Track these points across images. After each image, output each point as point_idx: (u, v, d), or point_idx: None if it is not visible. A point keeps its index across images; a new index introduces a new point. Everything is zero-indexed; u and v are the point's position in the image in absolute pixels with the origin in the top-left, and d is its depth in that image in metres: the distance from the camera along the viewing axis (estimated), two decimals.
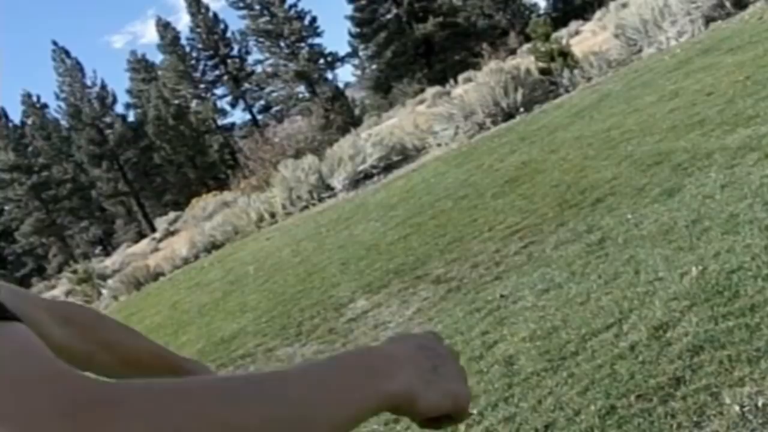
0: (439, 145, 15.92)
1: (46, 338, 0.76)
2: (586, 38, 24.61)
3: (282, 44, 59.00)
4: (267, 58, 60.71)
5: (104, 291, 19.87)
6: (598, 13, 31.18)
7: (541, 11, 54.35)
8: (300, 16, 58.44)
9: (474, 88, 16.73)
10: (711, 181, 5.32)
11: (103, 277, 21.56)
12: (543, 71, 15.42)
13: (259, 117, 61.01)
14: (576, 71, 14.85)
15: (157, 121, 57.43)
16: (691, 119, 7.39)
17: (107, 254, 39.81)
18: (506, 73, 15.33)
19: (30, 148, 56.61)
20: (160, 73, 61.93)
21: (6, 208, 56.87)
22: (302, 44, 58.83)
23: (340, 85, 60.48)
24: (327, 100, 46.48)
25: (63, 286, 24.82)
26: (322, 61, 59.31)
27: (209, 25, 60.22)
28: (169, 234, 29.24)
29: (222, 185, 37.21)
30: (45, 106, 59.71)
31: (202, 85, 62.07)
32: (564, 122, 11.05)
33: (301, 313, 7.52)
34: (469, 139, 14.82)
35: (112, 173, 57.62)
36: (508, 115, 14.43)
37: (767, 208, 4.35)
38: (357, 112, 53.29)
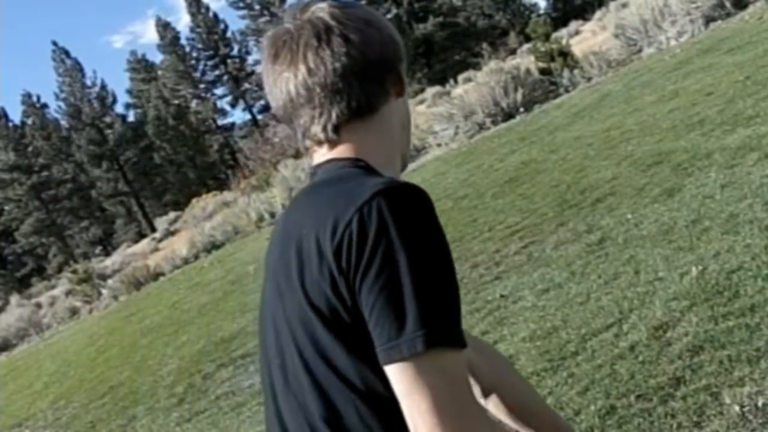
0: (439, 145, 15.91)
1: None
2: (586, 38, 24.61)
3: None
4: None
5: (104, 291, 19.87)
6: (598, 13, 31.16)
7: (541, 11, 54.34)
8: None
9: (474, 88, 16.73)
10: (711, 181, 5.32)
11: (103, 277, 21.56)
12: (543, 71, 15.41)
13: (259, 117, 60.99)
14: (576, 71, 14.85)
15: (157, 121, 57.42)
16: (691, 119, 7.39)
17: (107, 254, 39.80)
18: (506, 73, 15.33)
19: (30, 148, 56.60)
20: (160, 73, 61.93)
21: (6, 208, 56.84)
22: None
23: None
24: None
25: (63, 286, 24.82)
26: None
27: (209, 25, 60.22)
28: (169, 234, 29.23)
29: (222, 185, 37.19)
30: (45, 106, 59.73)
31: (202, 85, 62.06)
32: (564, 122, 11.05)
33: None
34: (469, 139, 14.82)
35: (112, 173, 57.61)
36: (508, 115, 14.42)
37: (767, 208, 4.35)
38: None
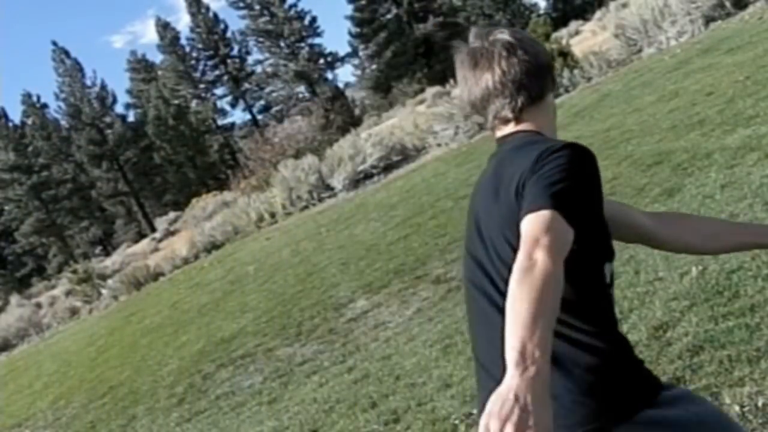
0: (439, 145, 15.92)
1: (638, 226, 1.79)
2: (586, 38, 24.60)
3: (282, 44, 58.97)
4: (267, 58, 60.68)
5: (104, 291, 19.87)
6: (598, 13, 31.14)
7: (541, 11, 54.32)
8: (300, 16, 58.41)
9: None
10: (711, 181, 5.32)
11: (103, 277, 21.55)
12: None
13: (259, 117, 60.99)
14: (576, 71, 14.85)
15: (157, 121, 57.37)
16: (691, 119, 7.39)
17: (107, 254, 39.79)
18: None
19: (30, 148, 56.54)
20: (160, 73, 61.88)
21: (6, 208, 56.78)
22: (302, 44, 58.79)
23: (340, 85, 60.44)
24: (327, 100, 46.44)
25: (63, 286, 24.81)
26: (322, 61, 59.27)
27: (209, 25, 60.19)
28: (169, 234, 29.24)
29: (222, 185, 37.15)
30: (45, 106, 59.61)
31: (202, 85, 62.00)
32: (564, 122, 11.05)
33: (301, 313, 7.52)
34: (469, 139, 14.83)
35: (112, 173, 57.57)
36: None
37: (767, 208, 4.35)
38: (357, 112, 53.25)
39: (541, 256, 1.29)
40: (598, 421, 1.39)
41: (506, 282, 1.35)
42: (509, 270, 1.35)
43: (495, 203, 1.54)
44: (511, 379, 1.13)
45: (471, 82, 1.65)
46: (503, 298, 1.34)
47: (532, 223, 1.35)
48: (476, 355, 1.62)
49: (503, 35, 1.65)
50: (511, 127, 1.66)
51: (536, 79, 1.63)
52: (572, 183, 1.39)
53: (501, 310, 1.34)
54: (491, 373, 1.47)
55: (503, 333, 1.25)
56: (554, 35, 17.91)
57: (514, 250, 1.38)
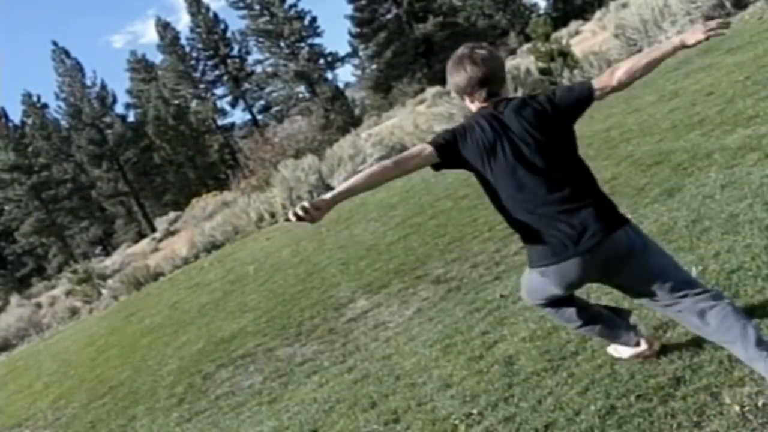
0: None
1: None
2: (586, 38, 24.61)
3: (282, 44, 59.00)
4: (267, 58, 60.73)
5: (104, 291, 19.87)
6: (598, 13, 31.17)
7: (541, 11, 54.31)
8: (300, 16, 58.43)
9: None
10: (711, 181, 5.32)
11: (103, 277, 21.56)
12: (543, 71, 15.40)
13: (259, 117, 61.03)
14: (576, 71, 14.85)
15: (157, 121, 57.41)
16: (691, 119, 7.39)
17: (107, 254, 39.81)
18: (506, 73, 15.32)
19: (30, 148, 56.56)
20: (160, 73, 61.91)
21: (6, 208, 56.79)
22: (302, 44, 58.83)
23: (340, 85, 60.50)
24: (327, 100, 46.49)
25: (63, 286, 24.83)
26: (322, 61, 59.30)
27: (209, 25, 60.22)
28: (169, 234, 29.26)
29: (222, 185, 37.19)
30: (45, 106, 59.64)
31: (202, 85, 62.06)
32: None
33: (301, 313, 7.52)
34: None
35: (112, 173, 57.60)
36: None
37: (767, 208, 4.35)
38: (357, 112, 53.29)
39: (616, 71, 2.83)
40: (613, 227, 2.74)
41: (554, 158, 2.77)
42: (556, 149, 2.79)
43: (538, 119, 2.78)
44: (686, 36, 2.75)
45: (471, 72, 2.85)
46: (547, 168, 2.76)
47: (595, 80, 2.83)
48: (537, 213, 2.77)
49: (485, 47, 2.93)
50: (499, 98, 2.88)
51: (504, 70, 2.95)
52: None
53: (546, 179, 2.77)
54: (554, 215, 2.76)
55: (554, 187, 2.75)
56: (554, 35, 17.88)
57: (565, 136, 2.82)
